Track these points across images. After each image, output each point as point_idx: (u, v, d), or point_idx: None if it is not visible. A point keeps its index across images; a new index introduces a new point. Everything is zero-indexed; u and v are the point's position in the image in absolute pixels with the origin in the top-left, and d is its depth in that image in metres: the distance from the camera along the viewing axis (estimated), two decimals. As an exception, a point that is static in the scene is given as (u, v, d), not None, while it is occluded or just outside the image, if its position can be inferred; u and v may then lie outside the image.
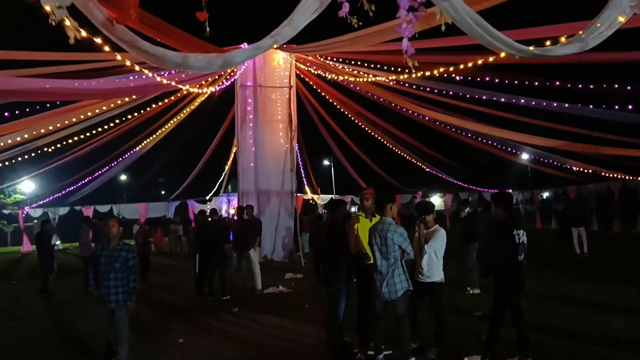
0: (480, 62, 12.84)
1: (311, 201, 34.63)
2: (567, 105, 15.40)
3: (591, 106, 14.99)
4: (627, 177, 27.46)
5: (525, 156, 31.12)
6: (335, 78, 19.42)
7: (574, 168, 25.78)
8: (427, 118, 22.91)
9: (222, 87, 19.81)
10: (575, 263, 14.67)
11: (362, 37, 12.08)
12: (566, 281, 11.45)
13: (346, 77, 18.30)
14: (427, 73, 15.10)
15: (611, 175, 26.72)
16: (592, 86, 13.62)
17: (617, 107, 15.17)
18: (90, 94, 15.42)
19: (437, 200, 45.76)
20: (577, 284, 11.02)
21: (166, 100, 22.02)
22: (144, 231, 16.38)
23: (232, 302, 10.67)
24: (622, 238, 22.98)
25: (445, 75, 16.35)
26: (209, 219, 12.48)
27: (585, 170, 26.13)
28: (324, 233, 7.15)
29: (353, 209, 32.73)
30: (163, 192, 52.06)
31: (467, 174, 35.59)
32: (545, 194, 42.37)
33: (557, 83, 13.98)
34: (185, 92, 21.90)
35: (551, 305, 8.98)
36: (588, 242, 16.00)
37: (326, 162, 46.85)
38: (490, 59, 12.16)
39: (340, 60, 18.62)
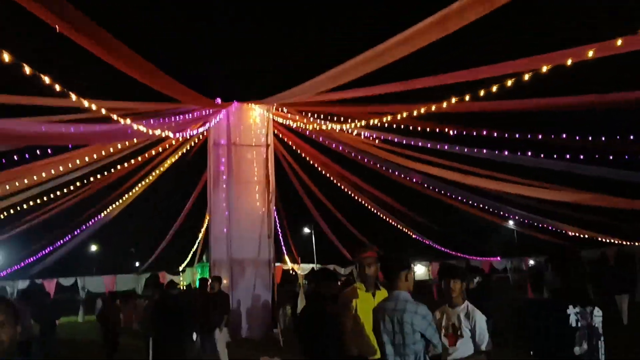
0: (420, 111, 11.81)
1: (291, 272, 32.55)
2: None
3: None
4: (623, 243, 26.38)
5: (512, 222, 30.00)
6: (317, 129, 18.05)
7: (570, 233, 24.52)
8: (414, 180, 21.64)
9: (185, 134, 18.14)
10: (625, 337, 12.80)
11: (344, 70, 10.64)
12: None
13: (327, 127, 16.92)
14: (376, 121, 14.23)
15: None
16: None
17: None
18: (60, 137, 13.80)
19: (421, 269, 43.92)
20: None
21: (132, 162, 20.39)
22: (114, 307, 13.94)
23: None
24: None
25: (428, 129, 15.31)
26: (169, 293, 10.42)
27: (581, 235, 24.92)
28: (301, 316, 5.20)
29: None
30: (137, 264, 49.52)
31: (455, 240, 34.19)
32: (531, 262, 41.00)
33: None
34: (154, 153, 20.43)
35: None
36: (629, 311, 14.41)
37: (306, 230, 45.01)
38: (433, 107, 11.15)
39: (322, 116, 17.41)
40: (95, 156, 17.30)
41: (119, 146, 17.61)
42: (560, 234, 25.20)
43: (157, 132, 12.84)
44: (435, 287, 33.30)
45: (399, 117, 12.27)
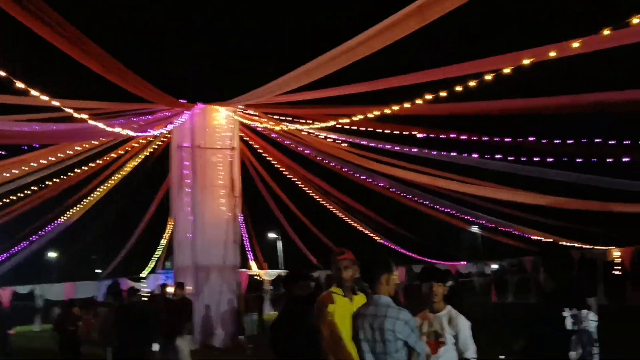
0: (376, 113, 11.71)
1: (257, 277, 32.06)
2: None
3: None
4: (586, 247, 26.70)
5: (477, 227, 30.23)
6: (283, 130, 17.77)
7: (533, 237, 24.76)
8: (381, 184, 21.53)
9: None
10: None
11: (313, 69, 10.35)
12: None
13: (294, 128, 16.65)
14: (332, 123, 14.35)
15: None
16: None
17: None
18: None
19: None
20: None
21: (92, 165, 19.74)
22: (73, 314, 13.04)
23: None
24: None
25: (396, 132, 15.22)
26: (130, 300, 9.94)
27: (544, 240, 25.16)
28: (276, 321, 4.84)
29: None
30: (99, 271, 48.25)
31: (420, 244, 34.28)
32: (495, 266, 41.42)
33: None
34: (115, 156, 19.85)
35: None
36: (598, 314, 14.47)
37: (273, 235, 44.51)
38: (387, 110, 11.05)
39: (289, 118, 17.11)
40: (53, 158, 16.65)
41: (79, 148, 16.99)
42: (524, 239, 25.43)
43: (117, 130, 12.35)
44: (402, 292, 33.29)
45: (369, 115, 12.04)
